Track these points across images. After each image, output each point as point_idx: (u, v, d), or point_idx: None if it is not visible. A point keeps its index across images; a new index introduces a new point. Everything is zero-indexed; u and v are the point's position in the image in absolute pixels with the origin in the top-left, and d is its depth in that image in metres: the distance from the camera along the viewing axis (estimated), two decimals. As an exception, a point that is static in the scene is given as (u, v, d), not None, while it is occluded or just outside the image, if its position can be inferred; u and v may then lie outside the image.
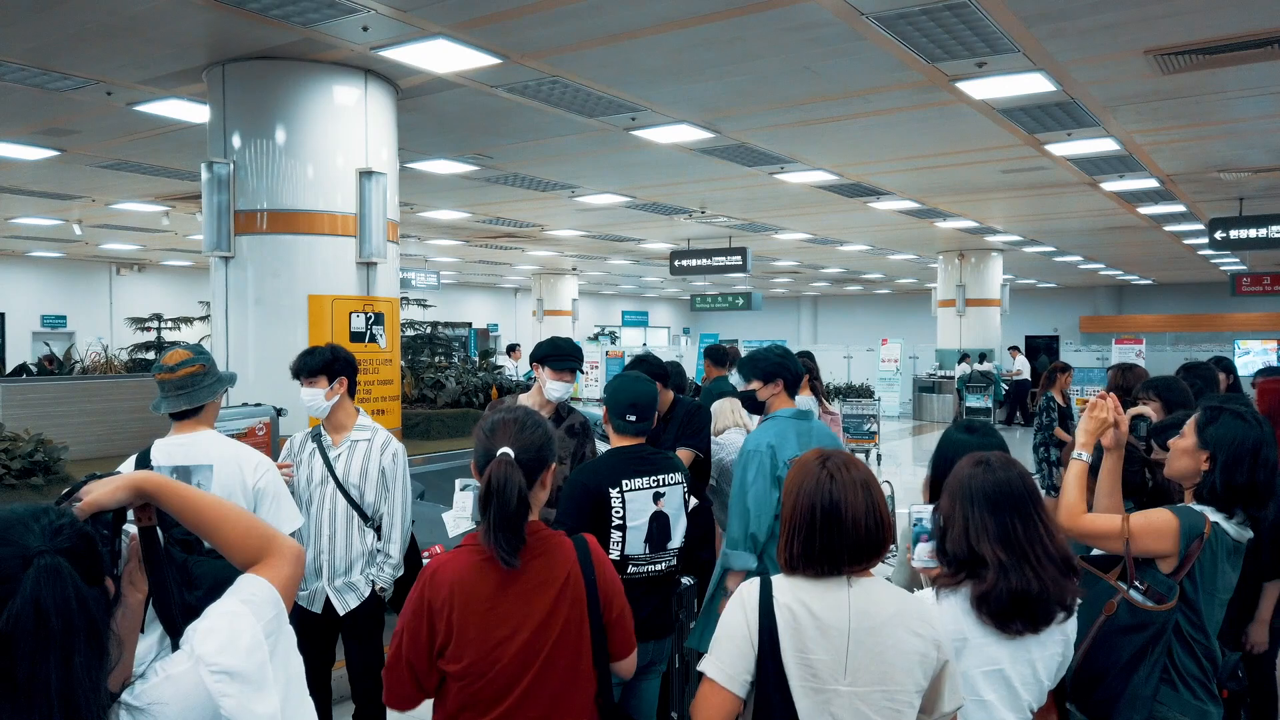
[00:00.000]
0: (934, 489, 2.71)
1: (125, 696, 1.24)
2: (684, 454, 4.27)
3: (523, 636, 2.04)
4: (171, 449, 2.93)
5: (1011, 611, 2.03)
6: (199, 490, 1.59)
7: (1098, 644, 2.57)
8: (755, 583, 1.95)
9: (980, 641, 2.06)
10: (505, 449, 2.05)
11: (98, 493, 1.42)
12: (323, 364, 3.55)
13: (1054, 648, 2.12)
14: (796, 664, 1.86)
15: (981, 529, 2.06)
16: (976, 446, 2.55)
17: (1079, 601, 2.16)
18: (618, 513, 3.00)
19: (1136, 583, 2.54)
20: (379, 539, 3.66)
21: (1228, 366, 6.15)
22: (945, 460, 2.63)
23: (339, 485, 3.57)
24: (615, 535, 2.99)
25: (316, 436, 3.67)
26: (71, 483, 1.36)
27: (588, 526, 2.96)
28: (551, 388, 3.76)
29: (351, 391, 3.67)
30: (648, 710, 3.03)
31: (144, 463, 2.90)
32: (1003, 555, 2.03)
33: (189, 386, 2.97)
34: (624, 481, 3.01)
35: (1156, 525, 2.51)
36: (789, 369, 3.73)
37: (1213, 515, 2.54)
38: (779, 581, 1.95)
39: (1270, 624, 3.60)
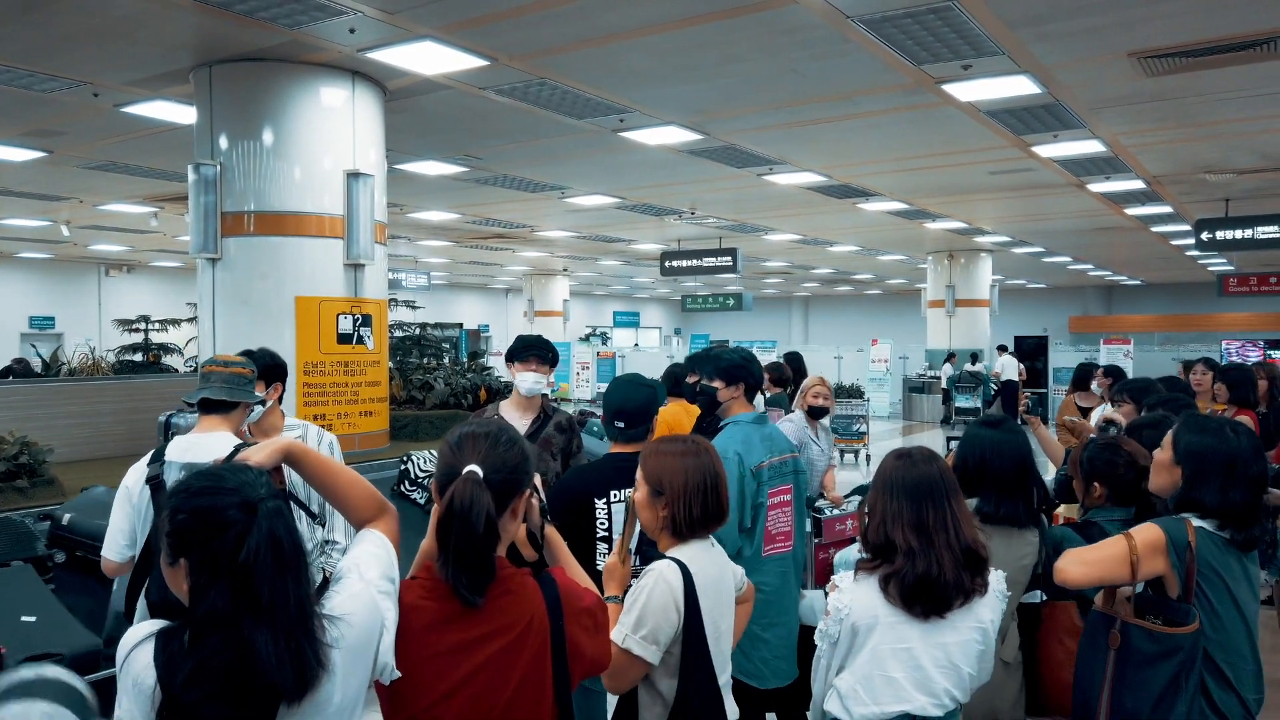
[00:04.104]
0: (960, 483, 2.75)
1: (320, 610, 1.49)
2: None
3: (469, 692, 1.70)
4: (186, 445, 2.96)
5: (915, 594, 2.18)
6: (332, 459, 1.90)
7: (1118, 683, 2.33)
8: (674, 565, 2.20)
9: (890, 620, 2.20)
10: (473, 467, 1.74)
11: (259, 456, 1.70)
12: (263, 369, 3.55)
13: (968, 634, 2.23)
14: (710, 622, 2.21)
15: (897, 516, 2.23)
16: (1000, 440, 2.73)
17: (986, 593, 2.25)
18: (603, 524, 2.93)
19: (1150, 615, 2.33)
20: (324, 530, 3.67)
21: (1214, 367, 6.18)
22: (972, 455, 2.75)
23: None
24: (601, 546, 2.94)
25: (245, 445, 3.65)
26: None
27: (571, 535, 2.95)
28: (522, 379, 3.73)
29: (280, 398, 3.67)
30: None
31: (159, 457, 2.93)
32: (913, 541, 2.19)
33: (233, 383, 3.03)
34: (612, 492, 2.94)
35: (1150, 541, 2.33)
36: (752, 374, 3.62)
37: (1196, 520, 2.38)
38: (682, 556, 2.24)
39: None
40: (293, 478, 3.60)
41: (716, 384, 3.58)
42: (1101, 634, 2.38)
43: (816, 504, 4.72)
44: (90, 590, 4.14)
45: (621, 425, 3.05)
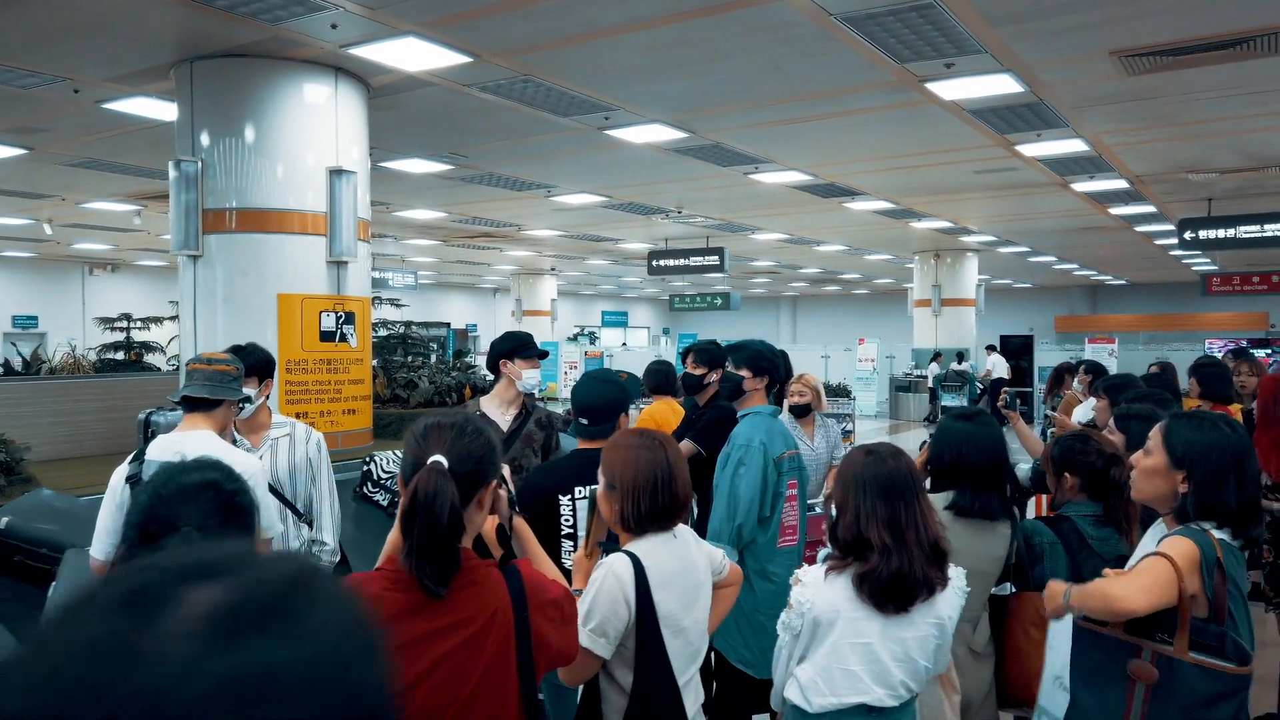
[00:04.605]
0: (935, 476, 2.76)
1: None
2: (686, 447, 4.09)
3: (432, 684, 1.69)
4: (166, 445, 2.90)
5: (888, 591, 2.18)
6: None
7: None
8: (625, 559, 2.18)
9: (852, 616, 2.21)
10: (438, 457, 1.72)
11: None
12: (260, 363, 3.54)
13: (926, 629, 2.24)
14: (665, 614, 2.18)
15: (870, 514, 2.21)
16: (975, 433, 2.72)
17: (947, 587, 2.25)
18: (567, 520, 2.90)
19: (1160, 635, 2.13)
20: (311, 530, 3.66)
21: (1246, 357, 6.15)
22: (948, 449, 2.74)
23: (269, 486, 3.53)
24: (566, 544, 2.90)
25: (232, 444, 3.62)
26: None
27: (537, 531, 2.93)
28: (528, 377, 3.76)
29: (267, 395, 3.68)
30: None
31: (141, 456, 2.89)
32: (887, 539, 2.18)
33: (215, 381, 2.99)
34: (576, 489, 2.90)
35: (1189, 558, 2.08)
36: (778, 369, 3.72)
37: (1216, 532, 2.16)
38: (638, 550, 2.20)
39: None
40: (278, 473, 3.59)
41: (744, 373, 3.64)
42: (1114, 662, 2.15)
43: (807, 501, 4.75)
44: (21, 596, 3.95)
45: (585, 421, 3.02)
